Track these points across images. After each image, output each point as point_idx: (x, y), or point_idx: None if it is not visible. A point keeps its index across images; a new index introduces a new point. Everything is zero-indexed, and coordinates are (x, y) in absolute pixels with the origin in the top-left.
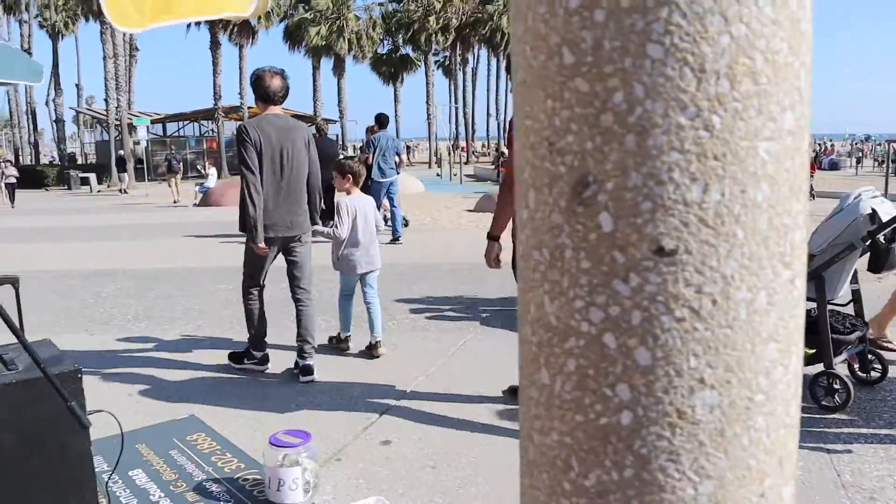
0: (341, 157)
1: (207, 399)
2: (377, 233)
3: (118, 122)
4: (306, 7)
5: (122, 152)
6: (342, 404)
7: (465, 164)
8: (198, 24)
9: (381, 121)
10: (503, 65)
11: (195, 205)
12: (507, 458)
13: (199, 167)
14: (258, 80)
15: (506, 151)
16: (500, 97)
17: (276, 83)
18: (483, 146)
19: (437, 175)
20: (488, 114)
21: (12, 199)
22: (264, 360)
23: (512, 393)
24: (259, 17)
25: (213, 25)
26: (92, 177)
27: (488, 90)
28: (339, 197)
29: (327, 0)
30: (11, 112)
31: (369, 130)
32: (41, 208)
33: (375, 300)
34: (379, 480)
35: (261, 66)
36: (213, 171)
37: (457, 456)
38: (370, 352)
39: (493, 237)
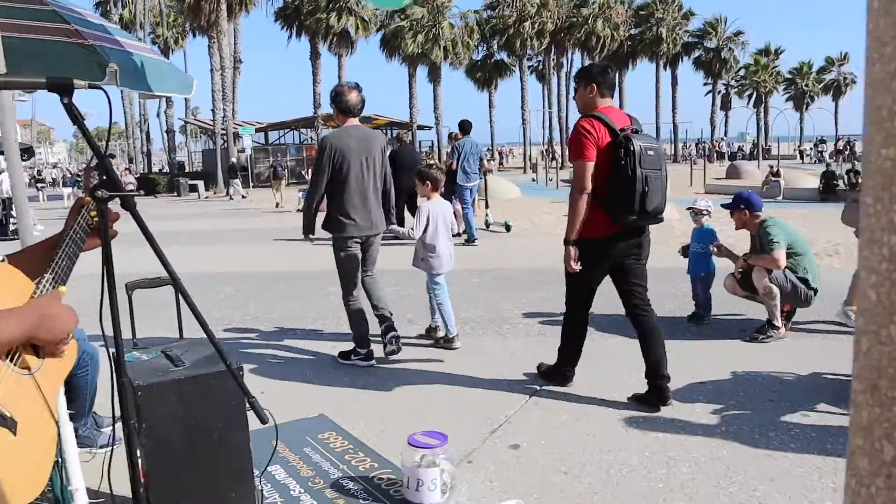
0: (422, 164)
1: (333, 399)
2: (452, 236)
3: (224, 132)
4: (402, 16)
5: (234, 160)
6: (466, 408)
7: (561, 168)
8: (298, 35)
9: (464, 127)
10: None
11: (298, 210)
12: (640, 465)
13: (302, 173)
14: (338, 95)
15: None
16: None
17: (353, 97)
18: None
19: (533, 180)
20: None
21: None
22: (369, 355)
23: (542, 374)
24: (357, 27)
25: (313, 36)
26: (200, 184)
27: None
28: (420, 202)
29: (423, 9)
30: (127, 123)
31: (452, 137)
32: (156, 214)
33: (446, 297)
34: (512, 484)
35: (339, 83)
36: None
37: (588, 462)
38: (449, 343)
39: (571, 242)
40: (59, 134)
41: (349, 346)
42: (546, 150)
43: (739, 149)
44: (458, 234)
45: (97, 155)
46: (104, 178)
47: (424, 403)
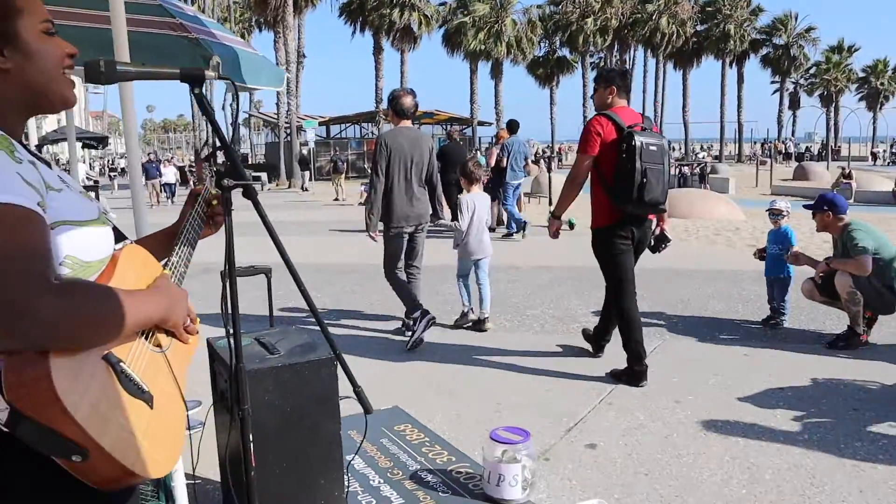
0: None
1: (406, 391)
2: (492, 230)
3: (287, 125)
4: (465, 12)
5: (304, 151)
6: (540, 405)
7: None
8: (362, 30)
9: (512, 127)
10: (663, 65)
11: (360, 203)
12: (722, 470)
13: (363, 167)
14: (395, 100)
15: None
16: (659, 98)
17: (408, 101)
18: None
19: None
20: (643, 115)
21: None
22: (425, 313)
23: (588, 338)
24: (420, 23)
25: (376, 32)
26: (263, 175)
27: (644, 91)
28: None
29: (486, 5)
30: (193, 115)
31: (498, 137)
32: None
33: (486, 281)
34: (591, 483)
35: (396, 88)
36: None
37: (668, 465)
38: (479, 326)
39: (557, 216)
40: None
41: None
42: None
43: (807, 149)
44: (493, 229)
45: (223, 144)
46: (228, 166)
47: (497, 399)
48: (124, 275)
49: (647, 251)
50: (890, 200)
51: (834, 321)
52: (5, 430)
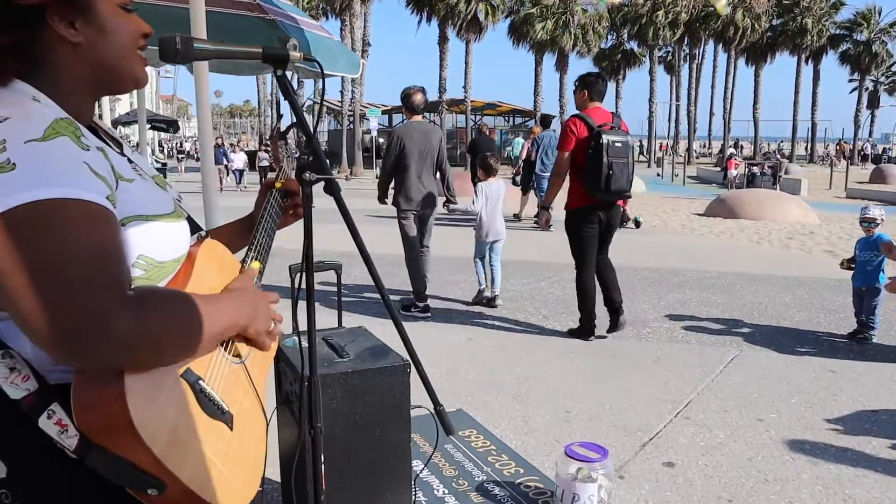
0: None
1: (471, 394)
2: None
3: (351, 113)
4: (533, 2)
5: (382, 140)
6: (613, 415)
7: (688, 164)
8: (429, 20)
9: (545, 122)
10: (734, 60)
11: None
12: (814, 501)
13: None
14: (407, 97)
15: (733, 151)
16: (728, 94)
17: (418, 98)
18: (703, 146)
19: (658, 175)
20: (711, 112)
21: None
22: (426, 309)
23: (571, 332)
24: (486, 12)
25: (442, 21)
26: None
27: (713, 87)
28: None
29: None
30: (259, 101)
31: (531, 132)
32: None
33: (497, 264)
34: None
35: (408, 87)
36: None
37: (754, 492)
38: (490, 303)
39: (546, 207)
40: (195, 110)
41: (483, 331)
42: (672, 146)
43: (884, 151)
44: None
45: (306, 134)
46: (311, 159)
47: (567, 406)
48: (202, 275)
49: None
50: None
51: None
52: (74, 457)
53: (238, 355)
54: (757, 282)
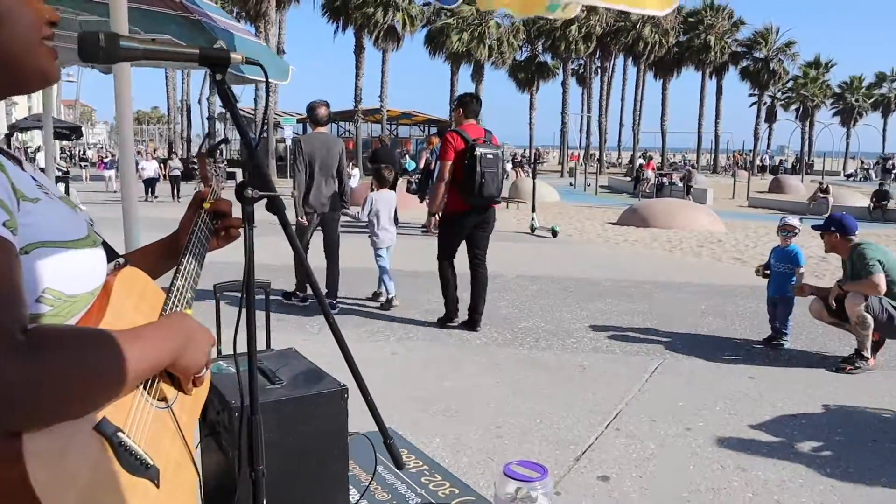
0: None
1: (396, 409)
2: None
3: (265, 121)
4: (449, 13)
5: (281, 149)
6: (543, 428)
7: (599, 174)
8: (345, 28)
9: (441, 133)
10: (643, 74)
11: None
12: None
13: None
14: (312, 110)
15: (643, 162)
16: (638, 107)
17: (322, 111)
18: (615, 156)
19: (571, 185)
20: (621, 124)
21: (177, 191)
22: (305, 299)
23: (440, 321)
24: (403, 23)
25: (359, 30)
26: (238, 172)
27: (623, 99)
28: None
29: (471, 7)
30: (169, 108)
31: (429, 142)
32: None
33: (387, 266)
34: None
35: (313, 100)
36: (356, 171)
37: (688, 502)
38: (387, 306)
39: (433, 213)
40: (100, 115)
41: (407, 345)
42: (591, 156)
43: (781, 163)
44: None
45: (248, 146)
46: (253, 174)
47: (498, 422)
48: (120, 310)
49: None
50: (866, 216)
51: (836, 343)
52: None
53: (164, 399)
54: (674, 290)
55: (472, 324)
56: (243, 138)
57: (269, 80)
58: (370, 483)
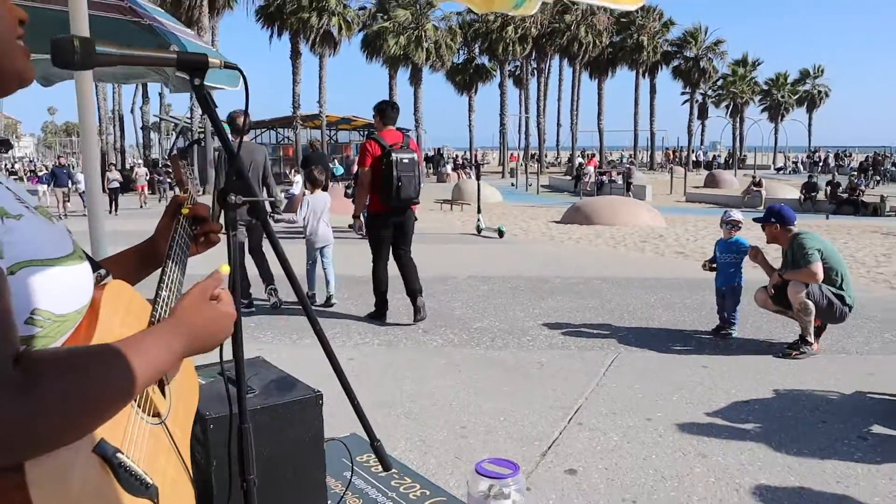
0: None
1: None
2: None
3: (201, 129)
4: (385, 17)
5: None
6: (508, 427)
7: (540, 174)
8: (280, 34)
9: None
10: (579, 74)
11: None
12: (710, 493)
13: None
14: (232, 120)
15: (583, 161)
16: (575, 106)
17: (241, 121)
18: (554, 157)
19: (512, 185)
20: (559, 124)
21: (116, 205)
22: (250, 304)
23: (370, 315)
24: (340, 27)
25: (294, 36)
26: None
27: (559, 100)
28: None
29: (407, 11)
30: (101, 118)
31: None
32: (142, 212)
33: (330, 267)
34: None
35: (234, 110)
36: (298, 178)
37: (654, 490)
38: (326, 303)
39: (357, 217)
40: (25, 128)
41: (364, 350)
42: (532, 156)
43: (714, 158)
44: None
45: (229, 153)
46: (235, 179)
47: (462, 421)
48: (109, 326)
49: None
50: (797, 207)
51: (781, 330)
52: None
53: (157, 414)
54: (622, 285)
55: (416, 311)
56: (224, 145)
57: (222, 87)
58: (344, 493)
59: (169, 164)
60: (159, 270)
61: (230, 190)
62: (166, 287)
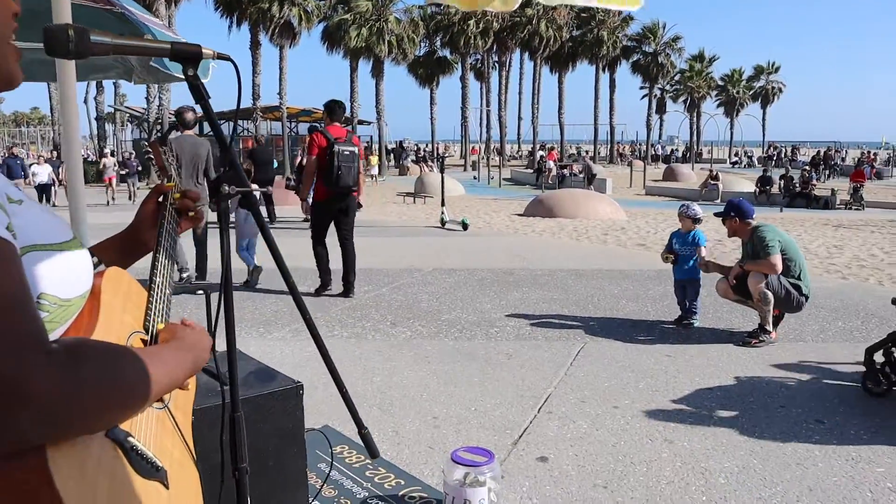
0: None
1: (332, 407)
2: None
3: (159, 120)
4: (346, 9)
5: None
6: (480, 417)
7: (502, 167)
8: (239, 24)
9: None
10: (539, 68)
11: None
12: (677, 477)
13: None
14: (179, 115)
15: (544, 154)
16: (536, 100)
17: (189, 116)
18: (515, 150)
19: (474, 178)
20: (520, 117)
21: (46, 199)
22: (188, 280)
23: (316, 291)
24: (300, 18)
25: (254, 26)
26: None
27: (520, 93)
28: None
29: (368, 2)
30: (52, 108)
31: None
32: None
33: (253, 250)
34: (553, 501)
35: (182, 106)
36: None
37: (624, 475)
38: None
39: (304, 199)
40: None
41: (332, 343)
42: (493, 149)
43: (672, 152)
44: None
45: (221, 143)
46: (228, 170)
47: (434, 412)
48: (111, 311)
49: None
50: (753, 200)
51: (741, 319)
52: None
53: (160, 399)
54: (586, 277)
55: (346, 292)
56: (218, 136)
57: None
58: (323, 485)
59: (149, 150)
60: (150, 256)
61: (223, 180)
62: (159, 274)
